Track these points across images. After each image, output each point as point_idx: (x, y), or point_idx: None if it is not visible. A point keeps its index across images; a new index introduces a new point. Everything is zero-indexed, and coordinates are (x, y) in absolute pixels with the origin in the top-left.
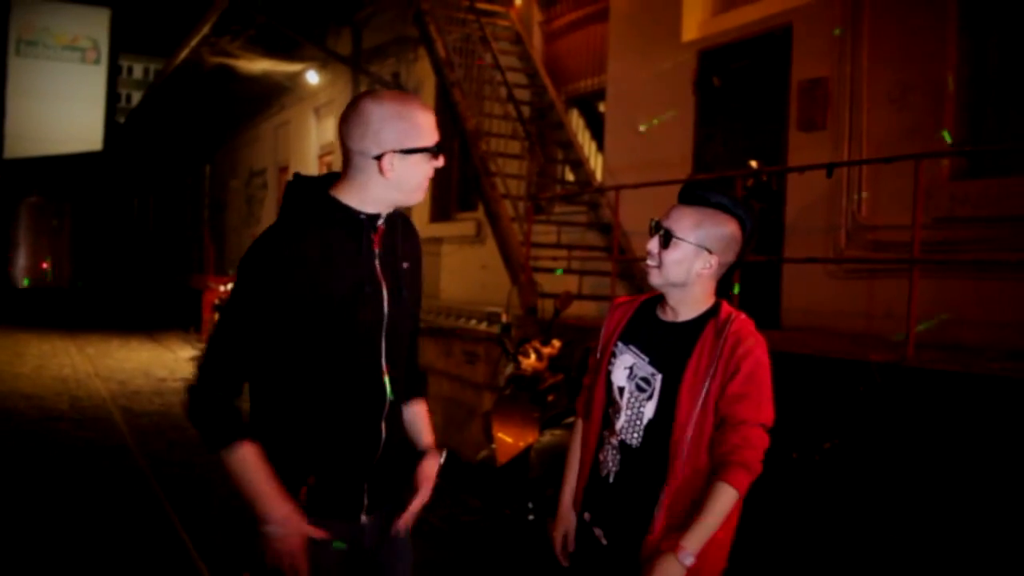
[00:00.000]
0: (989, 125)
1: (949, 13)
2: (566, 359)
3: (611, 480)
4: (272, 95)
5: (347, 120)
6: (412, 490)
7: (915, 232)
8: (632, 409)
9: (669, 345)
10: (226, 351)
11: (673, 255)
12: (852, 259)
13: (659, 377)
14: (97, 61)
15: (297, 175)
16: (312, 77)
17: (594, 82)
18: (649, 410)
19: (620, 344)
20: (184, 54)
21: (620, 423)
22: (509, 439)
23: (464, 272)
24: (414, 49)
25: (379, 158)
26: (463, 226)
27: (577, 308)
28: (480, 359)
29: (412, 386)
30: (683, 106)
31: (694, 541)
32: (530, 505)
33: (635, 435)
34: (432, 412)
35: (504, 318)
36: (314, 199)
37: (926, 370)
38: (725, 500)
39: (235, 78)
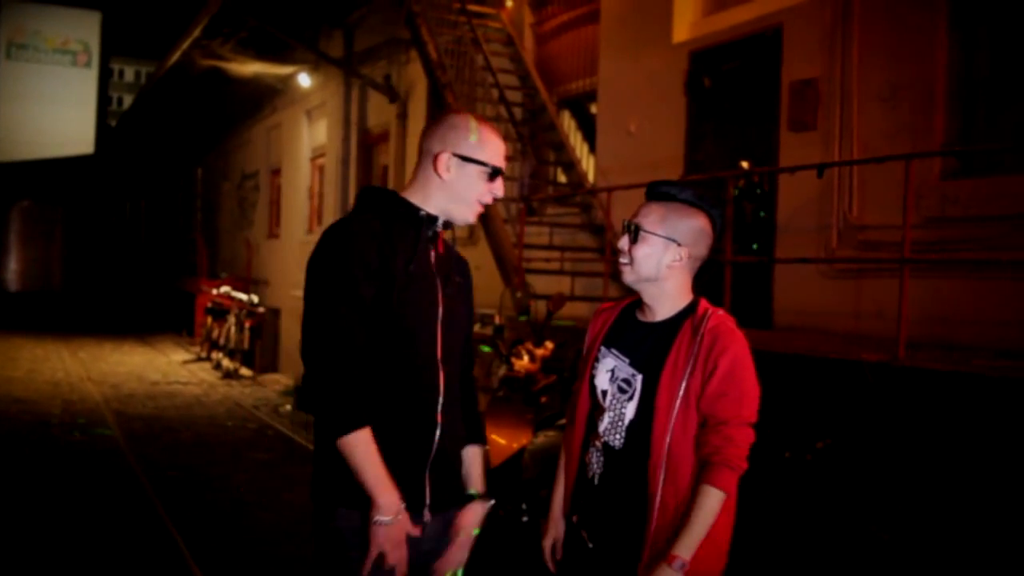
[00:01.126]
0: (979, 125)
1: (939, 13)
2: (559, 360)
3: (596, 482)
4: (264, 98)
5: (429, 124)
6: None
7: (906, 232)
8: (614, 411)
9: (648, 345)
10: (331, 332)
11: (643, 249)
12: (843, 259)
13: (639, 378)
14: (88, 64)
15: (365, 188)
16: (304, 80)
17: (586, 83)
18: (630, 411)
19: (603, 348)
20: (175, 57)
21: (604, 425)
22: (502, 441)
23: None
24: (406, 51)
25: (437, 156)
26: (456, 228)
27: (570, 309)
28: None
29: (472, 427)
30: (674, 107)
31: (685, 548)
32: (524, 506)
33: (618, 436)
34: None
35: (497, 320)
36: (380, 197)
37: (917, 369)
38: (711, 502)
39: (226, 81)
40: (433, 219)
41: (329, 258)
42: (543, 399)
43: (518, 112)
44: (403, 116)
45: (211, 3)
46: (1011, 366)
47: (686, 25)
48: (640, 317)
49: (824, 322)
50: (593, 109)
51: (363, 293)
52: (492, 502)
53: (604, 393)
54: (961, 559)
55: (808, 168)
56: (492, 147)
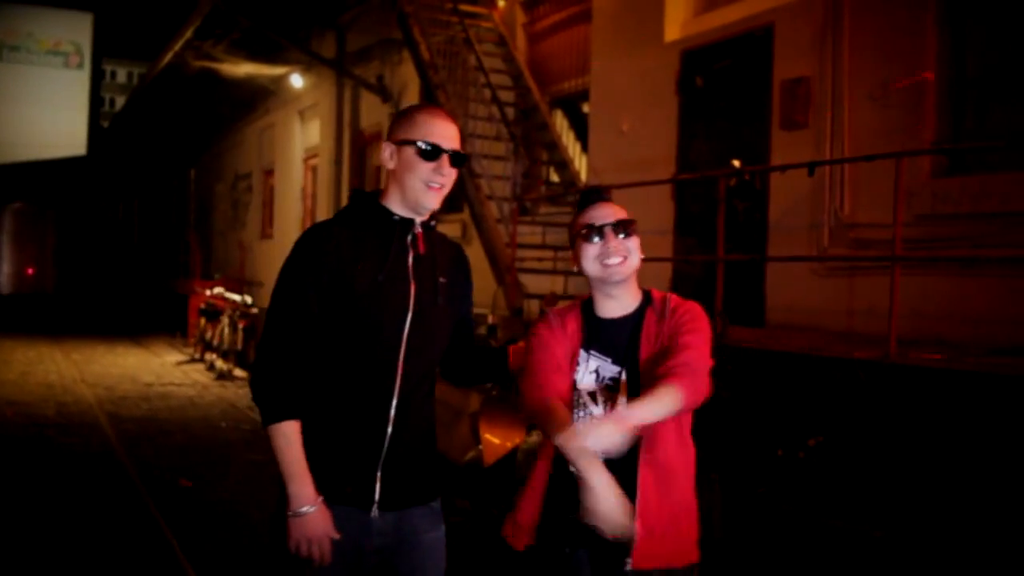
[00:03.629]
0: (970, 123)
1: (929, 12)
2: None
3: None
4: (256, 98)
5: None
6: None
7: (896, 230)
8: (605, 410)
9: (624, 340)
10: (276, 333)
11: (635, 241)
12: (835, 257)
13: (623, 373)
14: (80, 66)
15: (354, 190)
16: (296, 80)
17: (578, 83)
18: (621, 406)
19: (582, 351)
20: (167, 58)
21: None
22: (496, 440)
23: None
24: (398, 52)
25: (382, 149)
26: (449, 227)
27: None
28: None
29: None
30: (666, 106)
31: (633, 411)
32: None
33: None
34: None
35: (490, 319)
36: (359, 203)
37: (909, 367)
38: (667, 396)
39: (219, 82)
40: (408, 222)
41: (287, 264)
42: None
43: (511, 112)
44: None
45: (203, 4)
46: (1001, 363)
47: (678, 24)
48: (604, 314)
49: (816, 320)
50: (585, 108)
51: (309, 300)
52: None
53: (592, 394)
54: (954, 556)
55: (799, 166)
56: (427, 127)
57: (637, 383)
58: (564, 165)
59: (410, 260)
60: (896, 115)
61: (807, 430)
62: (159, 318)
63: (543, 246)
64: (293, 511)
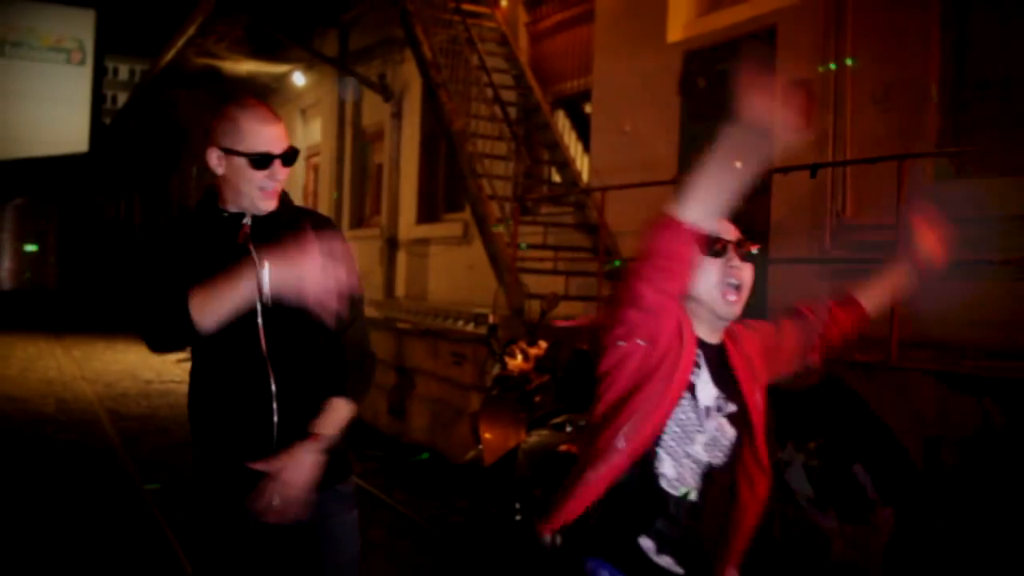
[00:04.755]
0: (973, 126)
1: (932, 14)
2: (552, 359)
3: (693, 500)
4: (258, 96)
5: None
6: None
7: (899, 232)
8: (717, 429)
9: (720, 366)
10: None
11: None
12: (837, 259)
13: (728, 398)
14: (82, 62)
15: (207, 187)
16: (298, 79)
17: (580, 83)
18: (730, 429)
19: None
20: (170, 55)
21: (703, 442)
22: (496, 440)
23: (451, 273)
24: (400, 51)
25: (209, 152)
26: (450, 227)
27: (564, 309)
28: (467, 360)
29: (336, 385)
30: (668, 107)
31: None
32: (517, 505)
33: (719, 454)
34: (419, 413)
35: (491, 319)
36: (201, 204)
37: (909, 369)
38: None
39: (221, 79)
40: (238, 216)
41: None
42: (537, 398)
43: (512, 111)
44: (398, 115)
45: (205, 1)
46: (1002, 366)
47: (680, 25)
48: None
49: None
50: (587, 109)
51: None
52: (321, 441)
53: (707, 410)
54: (954, 556)
55: (801, 168)
56: (254, 134)
57: (746, 412)
58: (565, 165)
59: (246, 254)
60: (899, 117)
61: (808, 432)
62: None
63: (544, 246)
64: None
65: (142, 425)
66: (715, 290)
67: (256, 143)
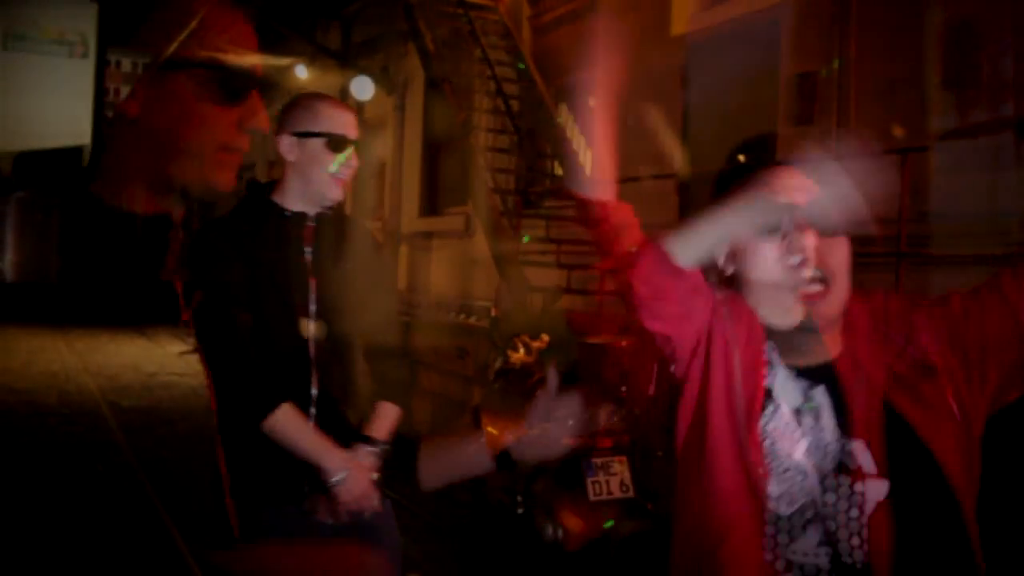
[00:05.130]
0: (977, 120)
1: (936, 7)
2: (555, 354)
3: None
4: (260, 89)
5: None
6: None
7: (901, 227)
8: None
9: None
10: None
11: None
12: None
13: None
14: (85, 55)
15: (249, 182)
16: (301, 72)
17: (583, 76)
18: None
19: None
20: (172, 48)
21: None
22: (497, 432)
23: (453, 266)
24: (403, 44)
25: (279, 140)
26: (453, 220)
27: (566, 303)
28: (469, 353)
29: (384, 388)
30: (672, 99)
31: None
32: (519, 499)
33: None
34: (421, 406)
35: (493, 312)
36: (252, 200)
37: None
38: None
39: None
40: (301, 216)
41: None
42: (539, 391)
43: (515, 104)
44: (400, 108)
45: None
46: None
47: (684, 18)
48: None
49: None
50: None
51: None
52: (378, 448)
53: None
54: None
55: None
56: (328, 118)
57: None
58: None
59: (306, 255)
60: (902, 111)
61: None
62: (163, 308)
63: (547, 239)
64: (335, 480)
65: (145, 417)
66: (777, 266)
67: (333, 125)
